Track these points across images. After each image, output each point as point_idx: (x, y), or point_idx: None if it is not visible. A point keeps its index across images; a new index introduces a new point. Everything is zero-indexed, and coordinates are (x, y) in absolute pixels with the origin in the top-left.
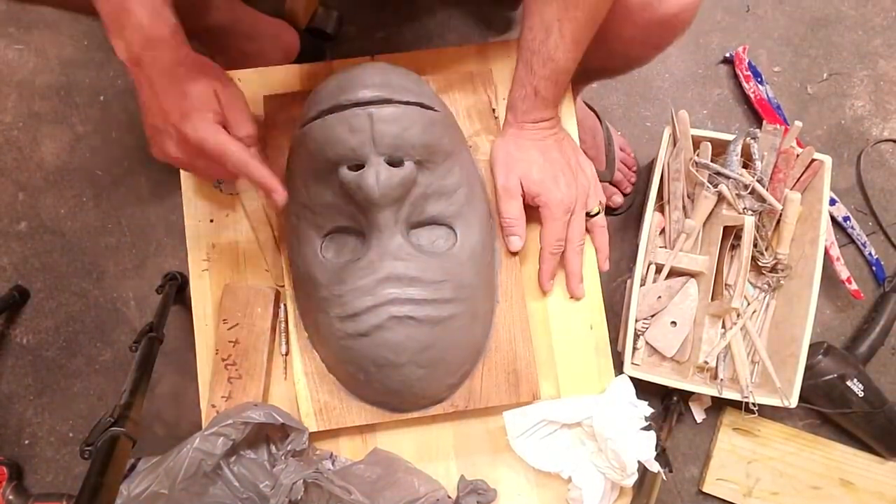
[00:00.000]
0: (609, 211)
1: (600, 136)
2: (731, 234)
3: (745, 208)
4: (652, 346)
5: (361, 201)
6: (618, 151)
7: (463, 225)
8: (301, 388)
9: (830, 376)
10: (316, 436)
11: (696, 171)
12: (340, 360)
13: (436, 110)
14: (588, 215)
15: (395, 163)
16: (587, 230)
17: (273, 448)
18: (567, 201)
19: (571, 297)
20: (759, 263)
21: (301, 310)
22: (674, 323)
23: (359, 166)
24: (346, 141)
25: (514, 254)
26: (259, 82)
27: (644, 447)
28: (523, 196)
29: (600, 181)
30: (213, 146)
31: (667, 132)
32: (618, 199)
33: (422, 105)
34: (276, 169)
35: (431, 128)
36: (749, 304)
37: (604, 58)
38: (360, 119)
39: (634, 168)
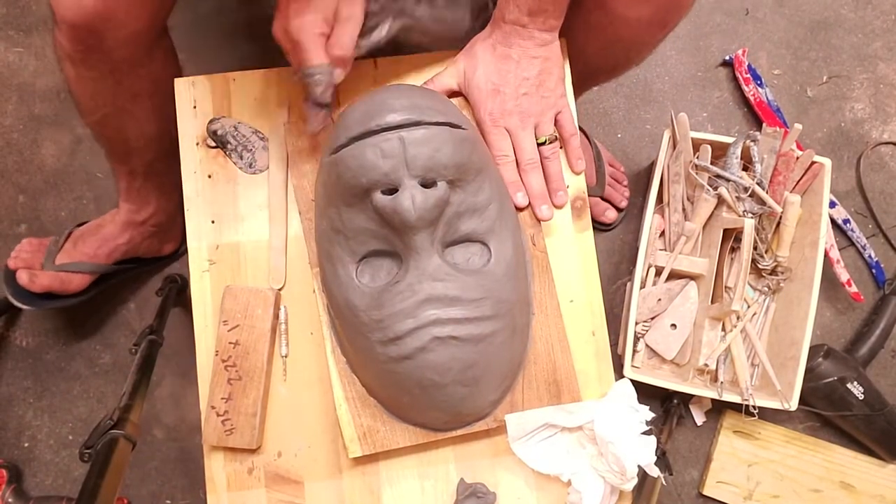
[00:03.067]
0: (603, 225)
1: (589, 153)
2: (731, 237)
3: (744, 211)
4: (652, 349)
5: (398, 225)
6: (607, 168)
7: (496, 240)
8: (343, 413)
9: (831, 379)
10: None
11: (696, 173)
12: (384, 383)
13: (463, 128)
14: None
15: (428, 184)
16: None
17: None
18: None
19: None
20: (759, 266)
21: (338, 336)
22: (674, 325)
23: (392, 190)
24: (378, 166)
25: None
26: (263, 83)
27: (644, 452)
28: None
29: (590, 196)
30: (304, 49)
31: (667, 135)
32: (611, 213)
33: (450, 124)
34: (301, 195)
35: (461, 146)
36: (749, 306)
37: (605, 46)
38: (392, 143)
39: (625, 183)
